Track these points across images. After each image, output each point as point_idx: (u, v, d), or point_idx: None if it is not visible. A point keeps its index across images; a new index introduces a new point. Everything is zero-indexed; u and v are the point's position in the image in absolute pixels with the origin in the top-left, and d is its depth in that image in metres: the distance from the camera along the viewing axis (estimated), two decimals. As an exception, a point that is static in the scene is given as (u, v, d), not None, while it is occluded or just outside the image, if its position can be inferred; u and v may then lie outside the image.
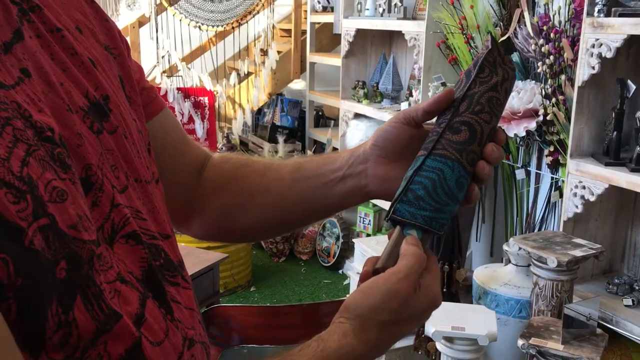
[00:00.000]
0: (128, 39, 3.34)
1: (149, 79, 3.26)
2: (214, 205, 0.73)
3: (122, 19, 3.64)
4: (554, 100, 1.88)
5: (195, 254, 2.24)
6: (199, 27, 3.71)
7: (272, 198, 0.71)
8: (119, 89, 0.55)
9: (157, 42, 3.60)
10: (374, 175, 0.66)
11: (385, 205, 2.81)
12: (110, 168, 0.49)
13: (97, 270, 0.42)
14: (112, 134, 0.50)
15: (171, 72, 3.69)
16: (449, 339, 1.30)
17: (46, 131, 0.42)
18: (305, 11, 3.84)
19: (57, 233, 0.39)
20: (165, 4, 3.59)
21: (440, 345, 1.33)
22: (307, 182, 0.69)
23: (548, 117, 1.92)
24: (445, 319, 1.31)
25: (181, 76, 3.65)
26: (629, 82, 1.61)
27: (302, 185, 0.69)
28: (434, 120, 0.64)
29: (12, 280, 0.35)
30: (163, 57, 3.63)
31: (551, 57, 1.86)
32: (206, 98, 3.57)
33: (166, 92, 3.45)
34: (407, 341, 1.59)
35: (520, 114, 1.98)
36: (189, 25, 3.69)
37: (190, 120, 3.52)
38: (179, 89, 3.53)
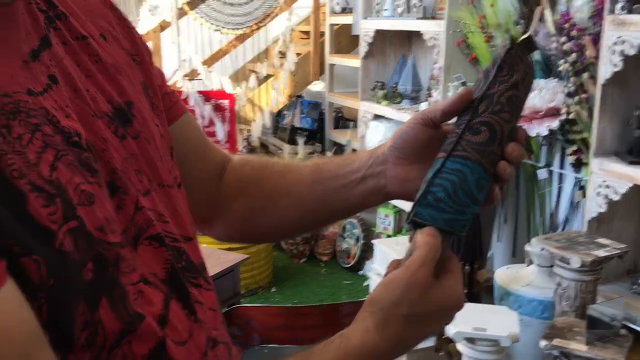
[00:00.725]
0: (150, 43, 3.38)
1: (170, 82, 3.30)
2: (235, 208, 0.73)
3: (144, 24, 3.69)
4: (576, 98, 1.86)
5: (216, 255, 2.25)
6: (219, 30, 3.74)
7: (292, 200, 0.71)
8: (142, 95, 0.56)
9: (179, 46, 3.64)
10: (393, 176, 0.66)
11: (405, 206, 2.78)
12: (134, 172, 0.50)
13: (123, 272, 0.44)
14: (136, 139, 0.51)
15: (192, 75, 3.72)
16: (471, 340, 1.30)
17: (73, 136, 0.43)
18: (324, 13, 3.85)
19: (85, 235, 0.40)
20: (186, 9, 3.62)
21: (461, 347, 1.32)
22: (327, 184, 0.69)
23: (571, 116, 1.90)
24: (466, 320, 1.30)
25: (202, 79, 3.68)
26: (653, 79, 1.58)
27: (322, 186, 0.69)
28: (453, 120, 0.64)
29: (43, 281, 0.36)
30: (184, 60, 3.67)
31: (573, 55, 1.84)
32: (227, 101, 3.59)
33: (187, 95, 3.49)
34: (428, 342, 1.58)
35: (542, 113, 1.96)
36: (209, 29, 3.72)
37: (211, 123, 3.55)
38: (200, 92, 3.56)
